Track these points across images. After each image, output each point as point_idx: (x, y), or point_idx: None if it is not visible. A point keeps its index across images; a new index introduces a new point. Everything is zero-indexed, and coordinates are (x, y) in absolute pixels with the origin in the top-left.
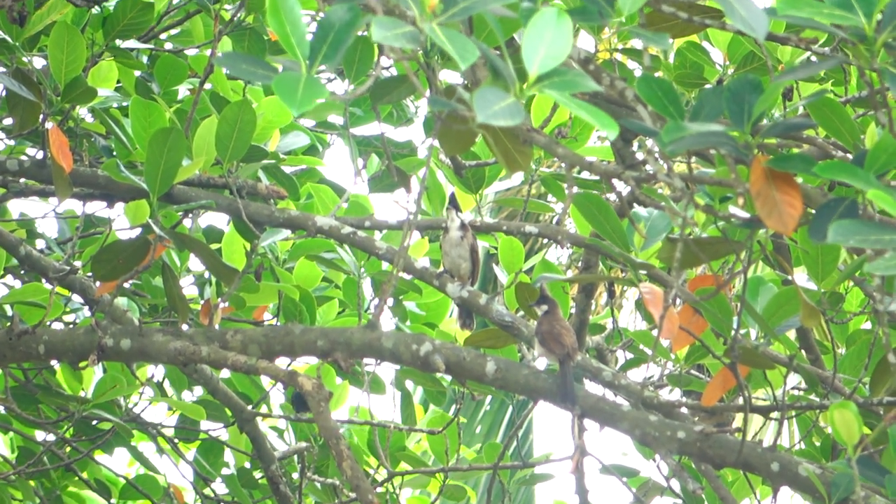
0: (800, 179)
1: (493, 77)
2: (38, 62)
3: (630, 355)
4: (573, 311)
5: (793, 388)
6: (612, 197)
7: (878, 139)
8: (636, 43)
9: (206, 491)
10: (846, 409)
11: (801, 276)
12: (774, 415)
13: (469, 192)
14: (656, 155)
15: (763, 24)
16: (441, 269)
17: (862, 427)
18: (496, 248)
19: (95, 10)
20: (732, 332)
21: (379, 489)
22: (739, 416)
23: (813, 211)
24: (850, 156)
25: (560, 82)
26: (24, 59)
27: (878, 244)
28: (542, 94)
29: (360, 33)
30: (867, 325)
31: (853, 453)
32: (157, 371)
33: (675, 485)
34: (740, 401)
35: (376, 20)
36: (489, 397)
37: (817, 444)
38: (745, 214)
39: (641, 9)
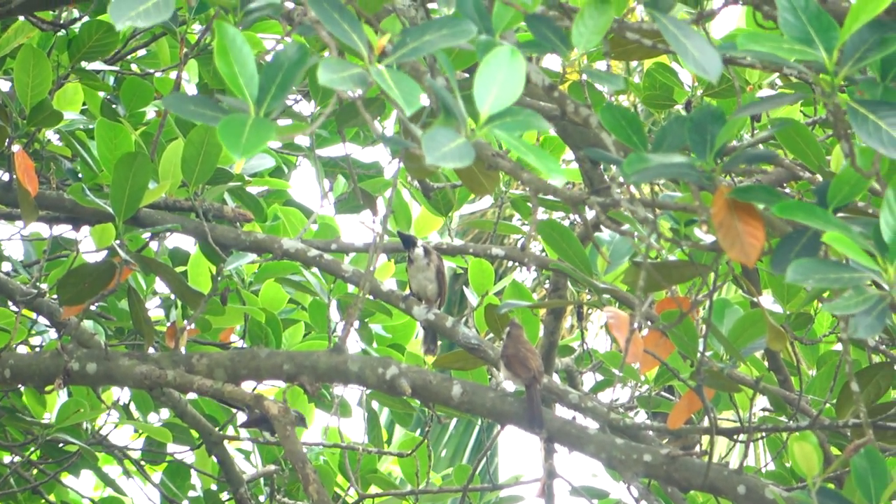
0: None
1: (444, 115)
2: (4, 85)
3: (600, 377)
4: (542, 333)
5: (762, 410)
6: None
7: (841, 169)
8: (602, 65)
9: None
10: (806, 442)
11: (767, 299)
12: (741, 437)
13: (438, 214)
14: (620, 180)
15: (716, 66)
16: (407, 291)
17: (822, 456)
18: (463, 269)
19: (61, 32)
20: (698, 355)
21: None
22: (706, 439)
23: (778, 235)
24: (818, 176)
25: (511, 122)
26: None
27: (837, 283)
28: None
29: (326, 54)
30: (839, 346)
31: (812, 485)
32: (122, 394)
33: None
34: (706, 423)
35: (323, 62)
36: (454, 420)
37: (788, 464)
38: (711, 238)
39: (606, 34)
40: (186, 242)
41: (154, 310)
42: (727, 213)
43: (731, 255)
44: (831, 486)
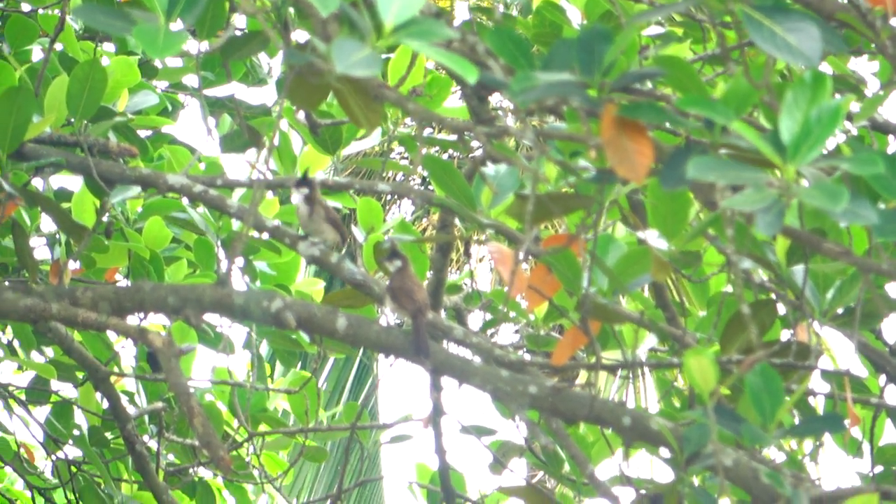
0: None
1: (348, 30)
2: None
3: (490, 316)
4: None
5: (651, 349)
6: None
7: (732, 81)
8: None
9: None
10: (702, 356)
11: (652, 234)
12: (626, 373)
13: (326, 153)
14: (509, 110)
15: None
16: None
17: (718, 372)
18: (349, 209)
19: None
20: (583, 289)
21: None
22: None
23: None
24: None
25: (417, 31)
26: None
27: (738, 180)
28: (401, 44)
29: None
30: (730, 289)
31: (708, 401)
32: (6, 332)
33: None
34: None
35: None
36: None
37: (677, 404)
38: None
39: None
40: (72, 183)
41: (39, 248)
42: (615, 130)
43: (620, 172)
44: None
